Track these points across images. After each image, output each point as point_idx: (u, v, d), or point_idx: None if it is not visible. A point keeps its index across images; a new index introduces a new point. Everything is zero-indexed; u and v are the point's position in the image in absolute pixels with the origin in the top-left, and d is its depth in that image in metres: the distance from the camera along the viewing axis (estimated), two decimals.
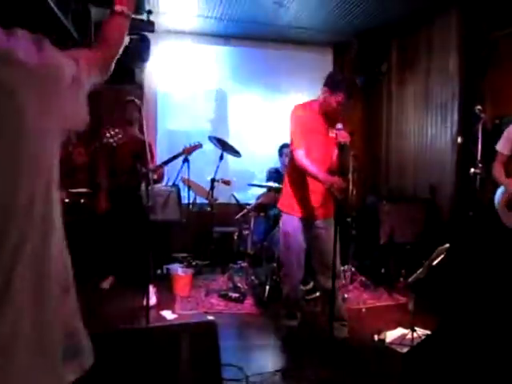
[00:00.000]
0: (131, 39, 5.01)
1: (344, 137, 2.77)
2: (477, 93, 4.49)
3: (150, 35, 5.31)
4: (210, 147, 5.06)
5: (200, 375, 1.76)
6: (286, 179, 3.20)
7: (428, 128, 5.04)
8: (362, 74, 5.71)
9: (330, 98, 2.91)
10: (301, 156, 2.92)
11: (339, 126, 2.80)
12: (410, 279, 3.03)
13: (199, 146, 4.52)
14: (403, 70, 5.49)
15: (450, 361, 2.43)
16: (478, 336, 2.44)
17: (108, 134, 3.50)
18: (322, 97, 2.97)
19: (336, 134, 2.79)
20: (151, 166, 2.92)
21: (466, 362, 2.35)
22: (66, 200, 4.56)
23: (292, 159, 3.08)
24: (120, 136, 3.50)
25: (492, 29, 4.40)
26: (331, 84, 2.89)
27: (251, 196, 5.20)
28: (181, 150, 4.44)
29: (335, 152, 2.96)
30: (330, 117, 2.99)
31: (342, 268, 4.53)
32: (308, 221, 3.11)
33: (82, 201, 4.71)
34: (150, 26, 5.27)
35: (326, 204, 3.08)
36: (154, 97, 5.78)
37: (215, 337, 1.79)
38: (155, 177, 3.93)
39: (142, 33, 4.96)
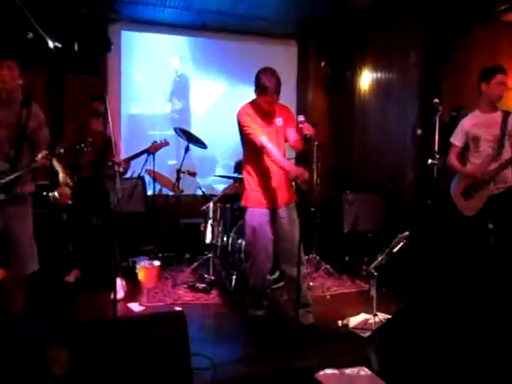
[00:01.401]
0: (92, 28, 4.95)
1: (309, 129, 2.83)
2: (435, 87, 4.65)
3: (112, 24, 5.26)
4: (174, 137, 5.05)
5: (169, 364, 1.79)
6: (244, 176, 3.25)
7: (389, 120, 5.19)
8: (328, 67, 5.81)
9: (261, 99, 3.03)
10: (264, 141, 2.98)
11: (301, 118, 2.86)
12: (371, 266, 3.13)
13: (166, 143, 4.56)
14: (366, 64, 5.61)
15: (409, 342, 2.56)
16: (435, 320, 2.58)
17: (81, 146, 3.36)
18: (255, 98, 3.10)
19: (301, 127, 2.84)
20: (117, 159, 2.89)
21: (423, 343, 2.48)
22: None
23: (245, 155, 3.20)
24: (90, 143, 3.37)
25: (449, 28, 4.58)
26: (258, 87, 3.01)
27: (214, 182, 5.17)
28: (148, 146, 4.43)
29: (287, 134, 3.11)
30: (266, 111, 3.10)
31: (307, 257, 4.64)
32: (271, 210, 3.17)
33: (44, 193, 4.61)
34: (113, 14, 5.21)
35: (285, 190, 3.16)
36: (118, 84, 5.69)
37: (184, 326, 1.82)
38: (121, 169, 3.89)
39: (103, 22, 4.92)
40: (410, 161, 4.72)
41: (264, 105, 3.05)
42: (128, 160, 4.25)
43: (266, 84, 2.95)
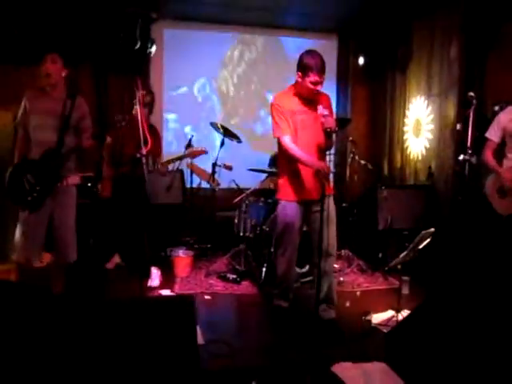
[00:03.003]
0: (138, 29, 5.15)
1: (330, 123, 2.84)
2: (476, 80, 4.48)
3: (155, 23, 5.44)
4: (213, 134, 5.19)
5: (176, 348, 1.88)
6: (280, 168, 3.30)
7: (429, 114, 5.05)
8: (367, 62, 5.73)
9: (304, 81, 3.00)
10: (287, 141, 3.01)
11: (324, 111, 2.88)
12: (393, 262, 3.10)
13: (204, 151, 4.68)
14: (407, 57, 5.48)
15: (430, 339, 2.53)
16: (458, 316, 2.53)
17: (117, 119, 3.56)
18: (296, 81, 3.08)
19: (323, 121, 2.86)
20: (144, 150, 3.03)
21: (444, 340, 2.44)
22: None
23: (280, 148, 3.17)
24: (126, 120, 3.55)
25: (494, 19, 4.37)
26: (301, 68, 2.99)
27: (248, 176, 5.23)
28: (185, 151, 4.62)
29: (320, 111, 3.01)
30: (308, 98, 3.08)
31: (339, 252, 4.64)
32: (305, 204, 3.20)
33: (89, 184, 4.89)
34: (155, 13, 5.39)
35: (320, 184, 3.13)
36: (161, 82, 5.89)
37: (191, 310, 1.91)
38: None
39: (147, 23, 5.11)
40: (448, 157, 4.57)
41: (306, 89, 3.01)
42: (165, 164, 4.44)
43: (310, 62, 2.93)
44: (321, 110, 2.88)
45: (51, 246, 3.37)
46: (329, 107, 3.11)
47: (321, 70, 2.95)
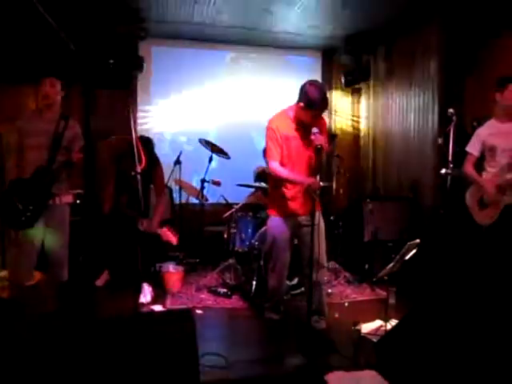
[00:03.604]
0: (125, 46, 5.25)
1: (320, 140, 2.96)
2: (456, 96, 4.68)
3: (143, 42, 5.54)
4: (202, 149, 5.25)
5: (177, 361, 1.93)
6: (270, 184, 3.41)
7: (411, 129, 5.24)
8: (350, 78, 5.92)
9: (305, 112, 3.05)
10: (275, 167, 3.14)
11: (315, 130, 2.99)
12: (380, 273, 3.21)
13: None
14: (388, 74, 5.68)
15: (418, 346, 2.62)
16: (443, 324, 2.63)
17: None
18: (296, 108, 3.11)
19: (313, 139, 2.98)
20: (139, 168, 3.07)
21: (432, 347, 2.54)
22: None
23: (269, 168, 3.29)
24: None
25: (471, 37, 4.60)
26: (306, 102, 3.00)
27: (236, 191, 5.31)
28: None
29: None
30: (304, 123, 3.15)
31: (327, 265, 4.73)
32: (294, 219, 3.30)
33: (78, 201, 4.90)
34: (142, 32, 5.50)
35: (308, 201, 3.24)
36: (148, 97, 5.97)
37: (192, 324, 1.98)
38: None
39: (135, 41, 5.20)
40: (431, 170, 4.75)
41: (306, 117, 3.07)
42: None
43: (314, 98, 2.95)
44: (314, 130, 2.99)
45: (42, 264, 3.39)
46: (324, 131, 3.21)
47: (324, 107, 3.04)
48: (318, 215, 3.23)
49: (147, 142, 4.26)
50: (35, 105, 3.30)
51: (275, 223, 3.33)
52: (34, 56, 4.64)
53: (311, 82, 3.04)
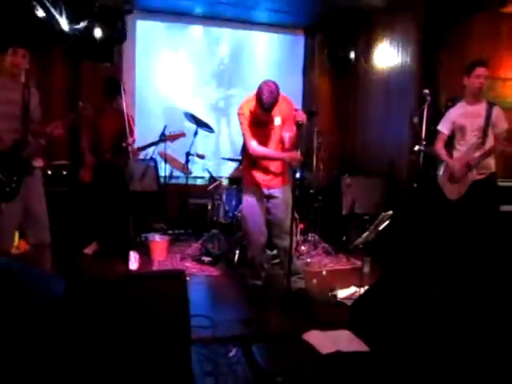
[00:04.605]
0: (109, 19, 5.25)
1: (301, 116, 3.14)
2: (433, 76, 4.89)
3: (128, 14, 5.54)
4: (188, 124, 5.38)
5: (168, 321, 2.05)
6: (243, 159, 3.61)
7: (390, 108, 5.44)
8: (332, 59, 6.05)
9: (257, 107, 3.20)
10: (254, 146, 3.32)
11: (286, 134, 3.24)
12: (356, 242, 3.44)
13: (182, 135, 4.74)
14: (368, 53, 5.84)
15: (388, 308, 2.87)
16: (411, 288, 2.88)
17: (81, 106, 3.68)
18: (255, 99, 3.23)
19: (294, 114, 3.15)
20: (130, 139, 3.19)
21: (399, 309, 2.79)
22: (49, 172, 4.85)
23: (244, 145, 3.48)
24: (89, 109, 3.69)
25: (448, 16, 4.78)
26: (257, 99, 3.14)
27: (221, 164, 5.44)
28: (162, 134, 4.70)
29: (283, 136, 3.33)
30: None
31: (306, 236, 4.99)
32: (266, 190, 3.50)
33: (64, 172, 5.00)
34: (127, 5, 5.50)
35: (280, 174, 3.48)
36: (133, 72, 6.01)
37: (183, 283, 2.13)
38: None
39: (120, 14, 5.21)
40: (407, 147, 4.97)
41: (259, 111, 3.21)
42: (141, 149, 4.57)
43: (264, 101, 3.10)
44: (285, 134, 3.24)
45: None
46: (290, 113, 3.32)
47: (269, 110, 3.16)
48: (286, 189, 3.47)
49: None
50: None
51: (249, 192, 3.53)
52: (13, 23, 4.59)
53: (265, 82, 3.15)
